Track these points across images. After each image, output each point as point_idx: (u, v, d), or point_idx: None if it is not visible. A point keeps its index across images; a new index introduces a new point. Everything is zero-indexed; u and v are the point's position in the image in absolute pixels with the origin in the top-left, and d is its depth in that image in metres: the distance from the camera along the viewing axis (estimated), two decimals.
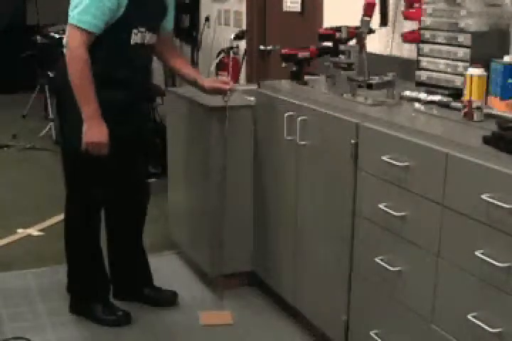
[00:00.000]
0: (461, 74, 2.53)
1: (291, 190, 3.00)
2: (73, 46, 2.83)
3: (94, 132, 2.87)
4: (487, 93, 2.39)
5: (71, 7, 2.86)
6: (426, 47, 2.78)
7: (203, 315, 3.24)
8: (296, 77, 3.21)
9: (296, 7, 4.48)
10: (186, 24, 5.98)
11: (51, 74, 6.39)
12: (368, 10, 2.96)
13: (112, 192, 3.16)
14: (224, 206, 3.23)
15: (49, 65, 6.47)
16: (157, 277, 3.43)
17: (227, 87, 3.11)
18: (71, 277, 3.24)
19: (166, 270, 3.69)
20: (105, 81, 2.88)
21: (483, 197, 1.97)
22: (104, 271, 3.26)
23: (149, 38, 3.00)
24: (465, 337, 2.11)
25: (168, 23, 3.16)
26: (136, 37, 2.93)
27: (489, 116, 2.36)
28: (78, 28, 2.81)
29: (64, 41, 2.96)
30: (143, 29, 2.94)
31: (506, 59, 2.45)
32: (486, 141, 2.10)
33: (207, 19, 5.79)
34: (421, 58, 2.81)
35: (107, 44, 2.89)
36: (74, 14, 2.83)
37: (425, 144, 2.22)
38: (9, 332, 3.08)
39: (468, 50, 2.59)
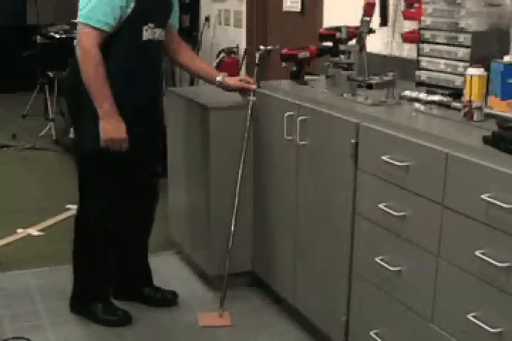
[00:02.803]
0: (461, 74, 2.54)
1: (291, 189, 3.00)
2: (85, 45, 2.82)
3: (113, 128, 2.87)
4: (487, 93, 2.39)
5: (80, 6, 2.85)
6: (426, 47, 2.78)
7: (202, 316, 3.23)
8: (296, 77, 3.21)
9: (296, 7, 4.49)
10: (186, 24, 5.99)
11: (51, 74, 6.40)
12: (368, 10, 2.96)
13: (124, 192, 3.13)
14: (233, 205, 3.22)
15: (49, 65, 6.48)
16: (157, 277, 3.43)
17: (254, 87, 3.18)
18: (75, 277, 3.22)
19: (166, 270, 3.68)
20: (121, 80, 2.88)
21: (483, 197, 1.97)
22: (106, 271, 3.25)
23: (159, 33, 2.99)
24: (465, 337, 2.11)
25: (175, 19, 3.16)
26: (146, 33, 2.93)
27: (489, 116, 2.36)
28: (89, 26, 2.80)
29: (75, 41, 2.95)
30: (152, 25, 2.93)
31: (506, 59, 2.45)
32: (486, 141, 2.10)
33: (207, 19, 5.80)
34: (421, 58, 2.80)
35: (119, 42, 2.88)
36: (84, 12, 2.82)
37: (425, 144, 2.22)
38: (9, 332, 3.08)
39: (468, 50, 2.59)
